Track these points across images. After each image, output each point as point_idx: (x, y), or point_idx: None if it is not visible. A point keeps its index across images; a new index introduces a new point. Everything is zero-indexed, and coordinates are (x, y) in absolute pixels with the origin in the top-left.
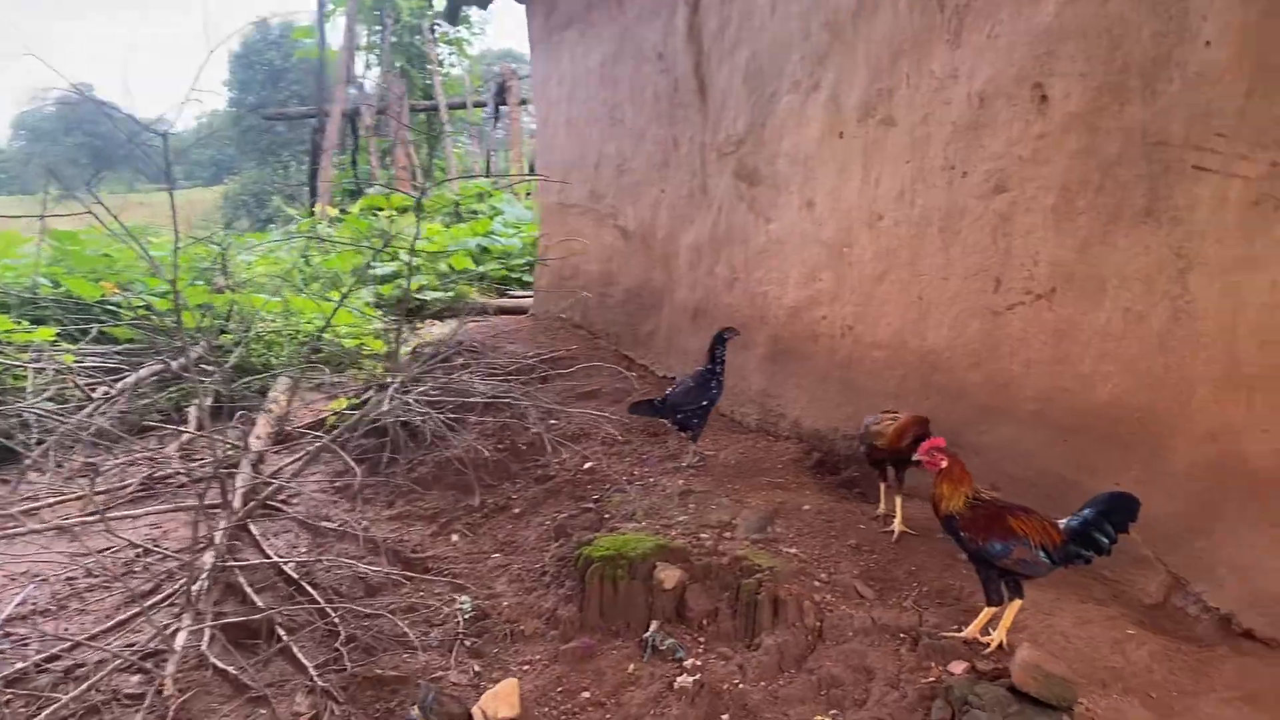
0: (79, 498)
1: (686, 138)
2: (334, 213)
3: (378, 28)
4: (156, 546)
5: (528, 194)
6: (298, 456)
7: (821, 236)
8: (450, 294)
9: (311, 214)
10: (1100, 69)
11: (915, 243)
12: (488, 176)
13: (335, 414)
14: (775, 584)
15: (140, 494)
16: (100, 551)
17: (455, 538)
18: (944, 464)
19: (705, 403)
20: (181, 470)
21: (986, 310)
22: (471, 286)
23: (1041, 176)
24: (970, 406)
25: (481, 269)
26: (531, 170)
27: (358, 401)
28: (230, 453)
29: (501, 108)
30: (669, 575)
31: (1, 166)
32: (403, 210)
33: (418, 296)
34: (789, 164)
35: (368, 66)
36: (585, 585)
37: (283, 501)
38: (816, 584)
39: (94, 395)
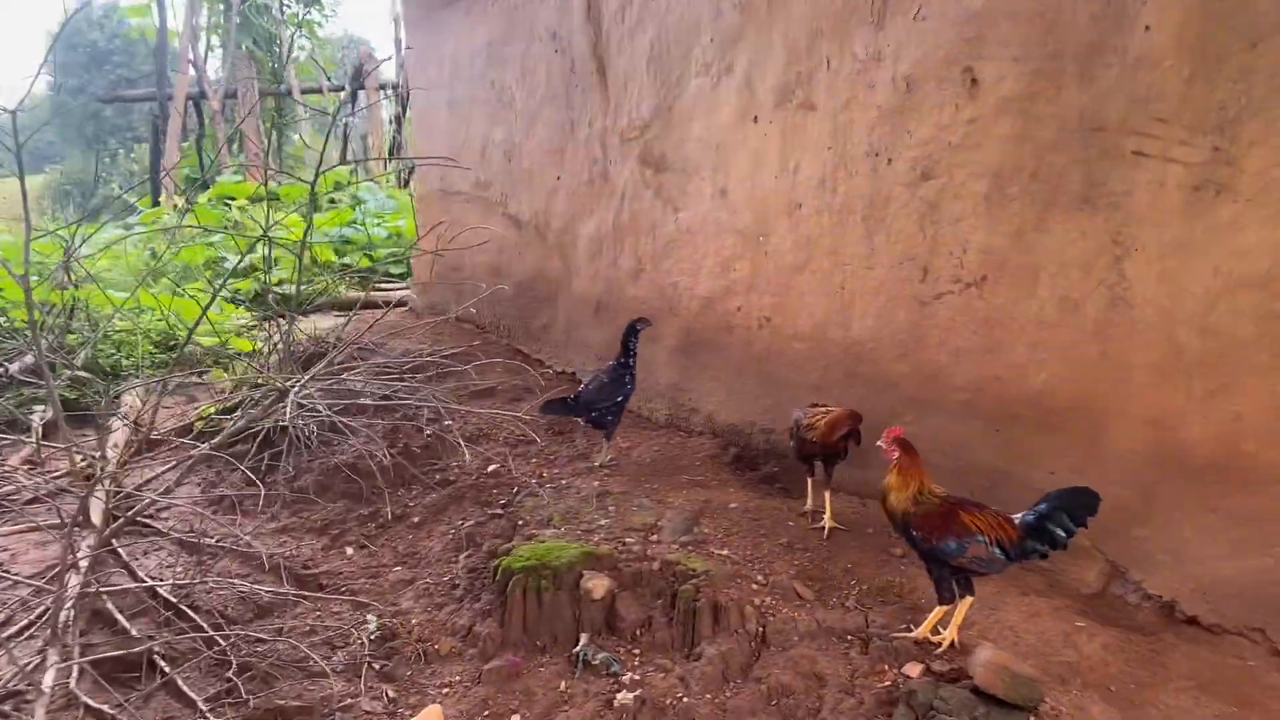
0: None
1: (585, 122)
2: (180, 202)
3: (220, 6)
4: (6, 572)
5: (403, 182)
6: (169, 466)
7: (736, 225)
8: (314, 287)
9: (156, 204)
10: (1035, 52)
11: (837, 231)
12: (355, 163)
13: (203, 419)
14: (713, 589)
15: None
16: None
17: (350, 551)
18: (896, 455)
19: (620, 398)
20: (28, 485)
21: (914, 300)
22: (338, 280)
23: (972, 163)
24: (898, 398)
25: (345, 260)
26: (392, 155)
27: (229, 405)
28: (87, 464)
29: (359, 92)
30: (597, 584)
31: None
32: (255, 200)
33: (277, 289)
34: (700, 150)
35: (209, 49)
36: (506, 598)
37: (150, 517)
38: (754, 587)
39: None
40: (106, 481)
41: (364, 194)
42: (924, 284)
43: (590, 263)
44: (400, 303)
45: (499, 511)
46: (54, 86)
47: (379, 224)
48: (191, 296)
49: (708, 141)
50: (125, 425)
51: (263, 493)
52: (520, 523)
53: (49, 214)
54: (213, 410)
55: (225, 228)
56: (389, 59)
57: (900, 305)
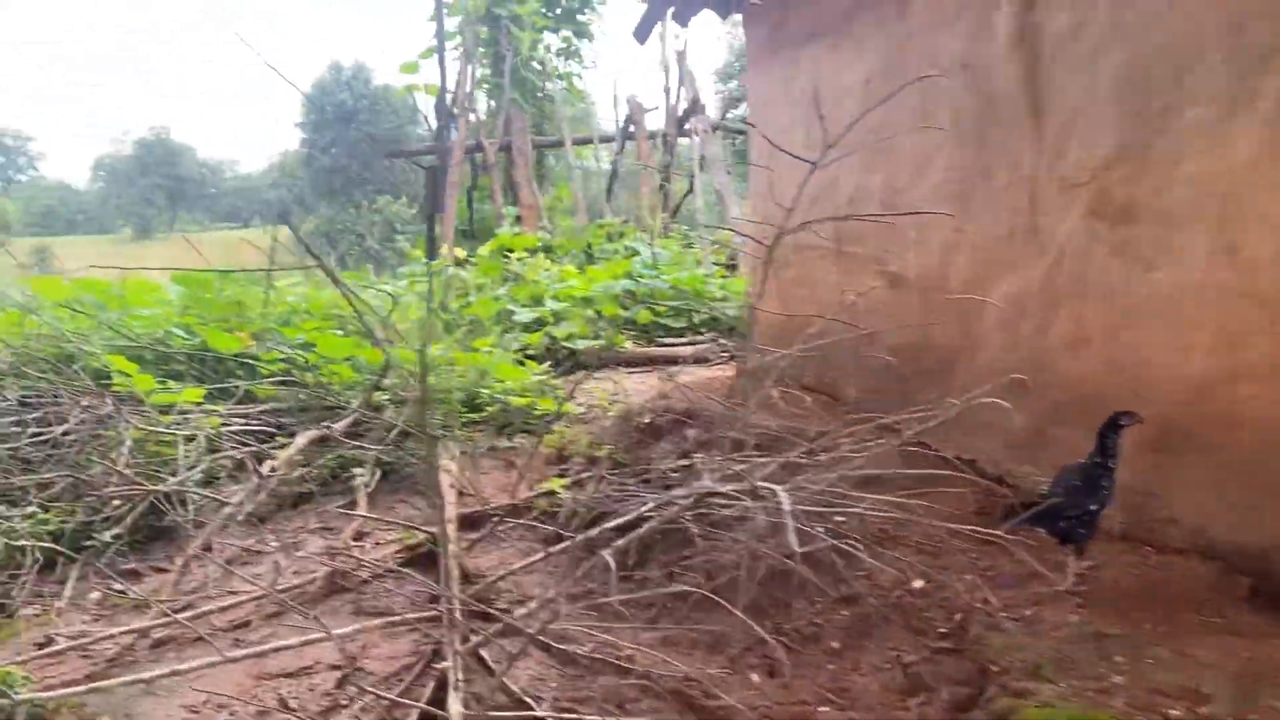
0: (256, 598)
1: (1004, 166)
2: (462, 255)
3: (487, 61)
4: (360, 668)
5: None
6: (530, 561)
7: (1252, 291)
8: (599, 341)
9: (432, 257)
10: None
11: None
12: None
13: (546, 494)
14: None
15: (325, 592)
16: (293, 674)
17: (756, 678)
18: None
19: (1095, 507)
20: (371, 565)
21: None
22: (621, 334)
23: None
24: None
25: (629, 314)
26: (669, 208)
27: (572, 480)
28: (428, 542)
29: (628, 142)
30: None
31: (80, 207)
32: (533, 251)
33: (566, 344)
34: (1193, 197)
35: (472, 102)
36: None
37: (504, 610)
38: None
39: (260, 470)
40: (454, 565)
41: (637, 245)
42: None
43: (1003, 331)
44: (701, 359)
45: (947, 646)
46: (305, 143)
47: (658, 276)
48: (487, 352)
49: (1207, 187)
50: (452, 496)
51: (636, 594)
52: (992, 667)
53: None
54: (558, 486)
55: (506, 280)
56: (656, 108)
57: None
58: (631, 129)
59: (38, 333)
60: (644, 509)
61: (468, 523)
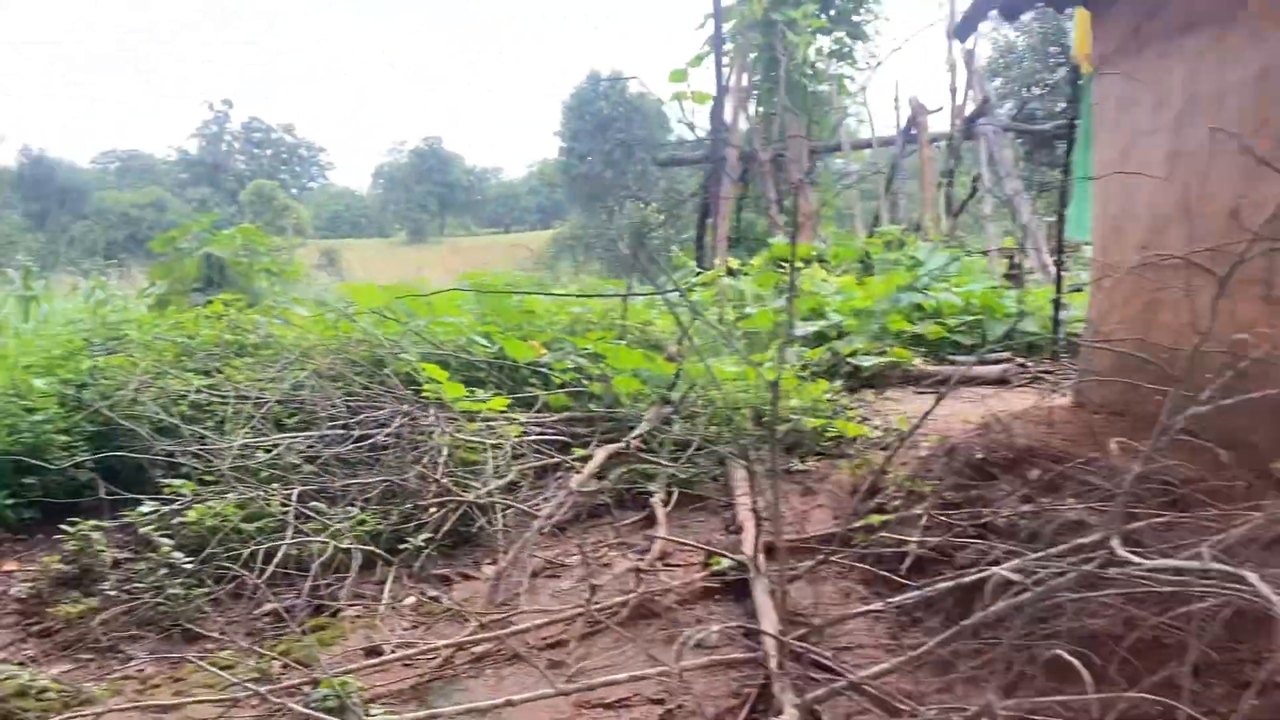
0: (572, 617)
1: None
2: (735, 264)
3: (757, 66)
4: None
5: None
6: (869, 609)
7: None
8: (886, 358)
9: (701, 266)
10: None
11: None
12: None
13: (864, 528)
14: None
15: (635, 615)
16: (610, 706)
17: None
18: None
19: None
20: (679, 590)
21: None
22: (908, 351)
23: None
24: None
25: (917, 329)
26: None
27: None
28: (734, 570)
29: (909, 146)
30: None
31: (362, 212)
32: (807, 261)
33: (850, 360)
34: None
35: (747, 108)
36: None
37: (827, 657)
38: None
39: (568, 484)
40: (770, 600)
41: (921, 254)
42: None
43: None
44: (1002, 380)
45: None
46: (563, 151)
47: (947, 289)
48: (768, 366)
49: None
50: (752, 521)
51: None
52: None
53: (567, 264)
54: (878, 521)
55: (781, 291)
56: (939, 110)
57: None
58: (913, 131)
59: (355, 338)
60: (1008, 565)
61: (775, 551)
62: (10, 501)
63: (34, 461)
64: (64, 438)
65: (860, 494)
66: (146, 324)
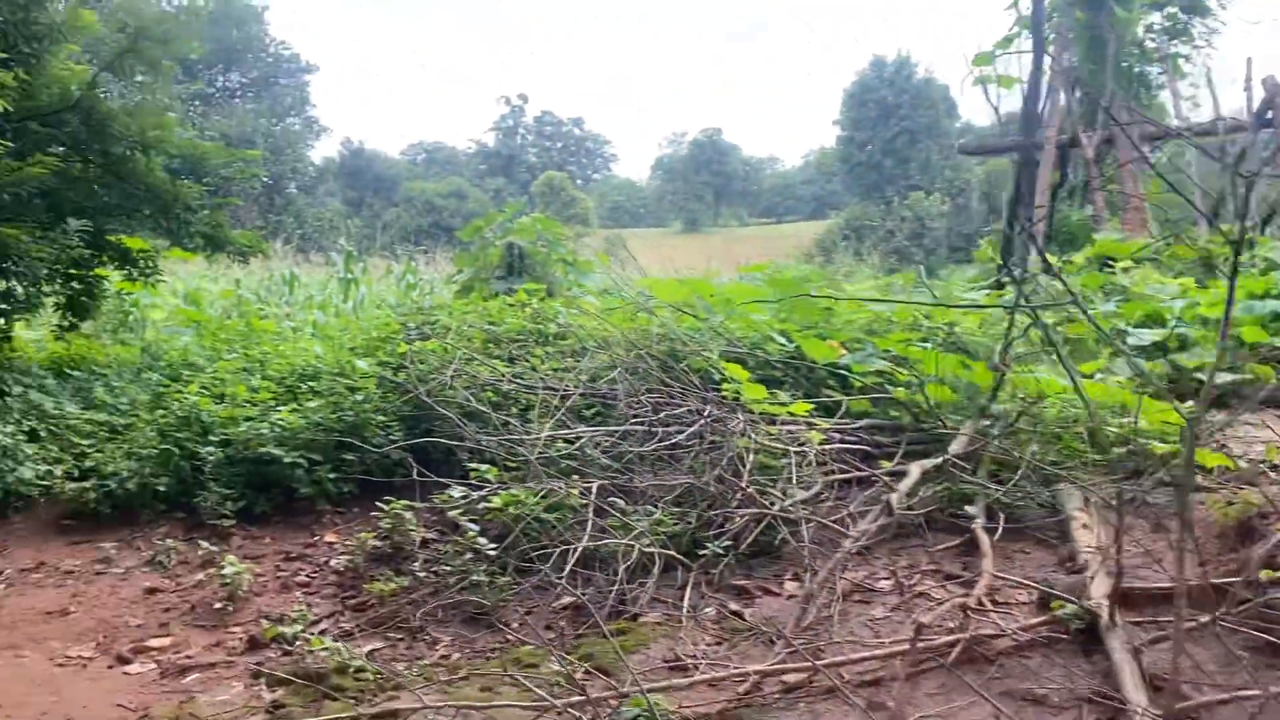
0: (891, 655)
1: None
2: (1054, 262)
3: (1078, 46)
4: None
5: None
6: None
7: None
8: (1242, 375)
9: (1006, 262)
10: None
11: None
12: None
13: (1249, 584)
14: None
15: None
16: None
17: None
18: None
19: None
20: (1014, 635)
21: None
22: (1269, 366)
23: None
24: None
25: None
26: None
27: None
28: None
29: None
30: None
31: (642, 202)
32: (1138, 261)
33: (1197, 376)
34: None
35: (1065, 90)
36: None
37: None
38: None
39: (890, 502)
40: (1129, 663)
41: (1276, 255)
42: None
43: None
44: None
45: None
46: (841, 140)
47: None
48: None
49: None
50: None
51: None
52: None
53: (841, 252)
54: (1268, 576)
55: (1109, 294)
56: None
57: None
58: (1269, 114)
59: (655, 331)
60: None
61: (1128, 599)
62: (333, 476)
63: (352, 440)
64: (381, 418)
65: (1234, 537)
66: (457, 310)
